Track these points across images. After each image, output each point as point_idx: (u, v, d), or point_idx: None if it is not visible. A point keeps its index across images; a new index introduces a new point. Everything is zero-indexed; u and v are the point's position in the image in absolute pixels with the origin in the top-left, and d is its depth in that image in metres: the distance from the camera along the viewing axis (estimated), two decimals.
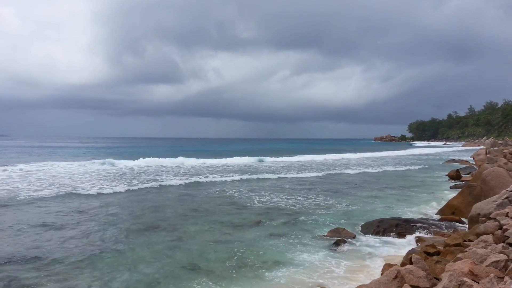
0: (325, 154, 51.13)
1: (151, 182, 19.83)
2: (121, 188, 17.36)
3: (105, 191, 16.29)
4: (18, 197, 14.61)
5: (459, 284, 4.36)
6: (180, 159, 33.06)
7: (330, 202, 14.83)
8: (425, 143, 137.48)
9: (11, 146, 74.04)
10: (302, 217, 11.81)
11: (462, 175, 22.49)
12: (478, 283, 4.39)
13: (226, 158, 37.02)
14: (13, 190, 16.11)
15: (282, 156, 44.31)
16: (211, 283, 6.64)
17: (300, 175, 25.05)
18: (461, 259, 5.44)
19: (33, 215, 11.77)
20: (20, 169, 23.58)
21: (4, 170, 22.79)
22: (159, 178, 21.59)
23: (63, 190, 16.36)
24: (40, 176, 20.97)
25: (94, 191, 16.29)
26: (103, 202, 14.13)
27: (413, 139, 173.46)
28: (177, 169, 28.07)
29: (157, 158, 32.37)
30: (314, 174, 25.47)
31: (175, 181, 20.22)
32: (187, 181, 20.36)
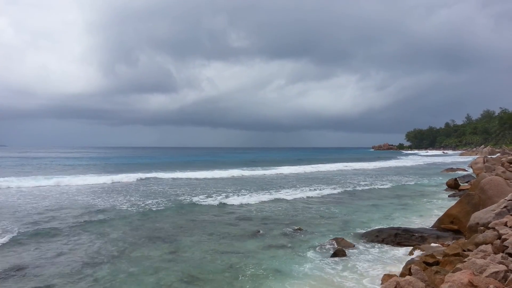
0: (324, 163, 51.13)
1: (149, 196, 19.77)
2: (120, 202, 17.28)
3: (101, 205, 16.19)
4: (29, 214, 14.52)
5: None
6: (179, 173, 32.70)
7: (329, 211, 14.76)
8: (423, 151, 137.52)
9: (12, 157, 73.74)
10: (301, 227, 11.74)
11: (460, 183, 22.47)
12: None
13: (223, 170, 36.50)
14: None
15: (279, 166, 44.31)
16: None
17: (301, 188, 24.96)
18: (460, 269, 5.40)
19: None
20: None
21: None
22: (158, 191, 21.55)
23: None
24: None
25: (96, 203, 16.23)
26: (100, 214, 14.04)
27: (411, 147, 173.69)
28: (173, 181, 28.00)
29: (155, 173, 32.02)
30: (314, 186, 25.39)
31: (173, 195, 20.17)
32: (184, 195, 20.28)
